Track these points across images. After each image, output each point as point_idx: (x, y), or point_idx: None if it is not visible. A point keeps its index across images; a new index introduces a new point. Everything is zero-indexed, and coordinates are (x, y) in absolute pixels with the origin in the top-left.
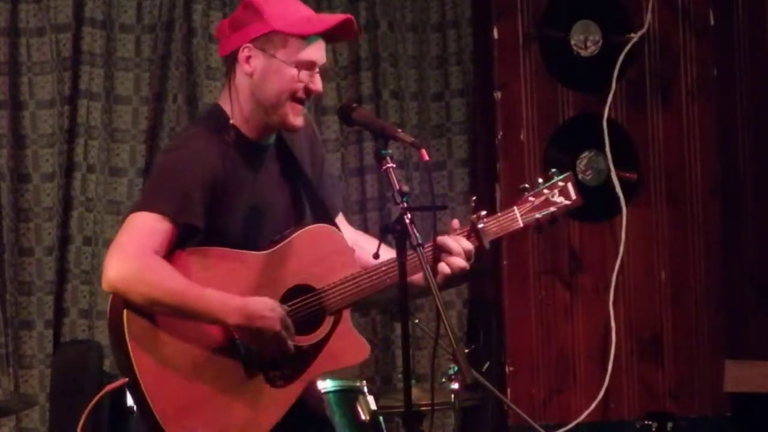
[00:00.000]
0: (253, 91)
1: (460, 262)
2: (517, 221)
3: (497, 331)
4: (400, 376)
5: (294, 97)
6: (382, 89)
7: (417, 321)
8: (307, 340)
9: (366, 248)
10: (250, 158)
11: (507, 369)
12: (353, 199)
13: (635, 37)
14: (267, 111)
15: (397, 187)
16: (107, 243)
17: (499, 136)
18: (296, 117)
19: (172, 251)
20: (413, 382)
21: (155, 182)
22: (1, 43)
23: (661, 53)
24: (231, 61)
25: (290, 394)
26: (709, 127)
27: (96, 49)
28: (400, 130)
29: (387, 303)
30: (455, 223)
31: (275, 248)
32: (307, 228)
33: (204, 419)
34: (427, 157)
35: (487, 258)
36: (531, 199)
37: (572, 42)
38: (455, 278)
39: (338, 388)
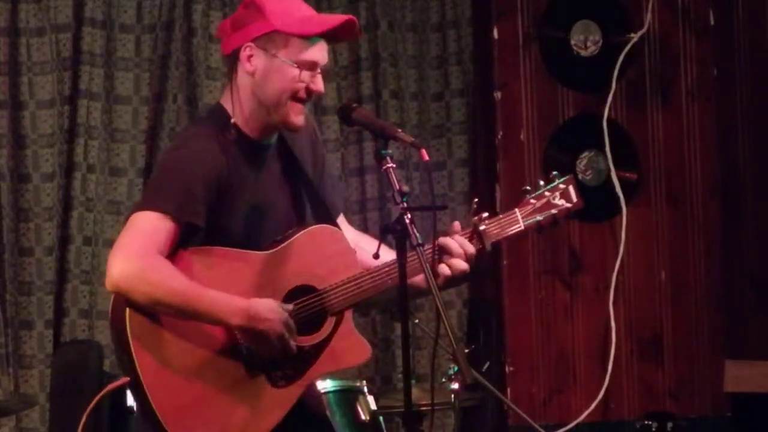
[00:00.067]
0: (254, 91)
1: (461, 264)
2: (519, 223)
3: (497, 331)
4: (400, 376)
5: (295, 97)
6: (382, 89)
7: (417, 321)
8: (308, 341)
9: (366, 249)
10: (252, 157)
11: (507, 369)
12: (353, 199)
13: (635, 37)
14: (268, 110)
15: (397, 187)
16: (107, 243)
17: (499, 136)
18: (297, 117)
19: (175, 250)
20: (413, 382)
21: (158, 181)
22: (1, 43)
23: (661, 53)
24: (233, 60)
25: (291, 394)
26: (709, 127)
27: (96, 49)
28: (400, 130)
29: (387, 303)
30: (456, 225)
31: (278, 248)
32: (310, 228)
33: (205, 419)
34: (427, 157)
35: (487, 258)
36: (532, 201)
37: (572, 42)
38: (456, 279)
39: (338, 388)
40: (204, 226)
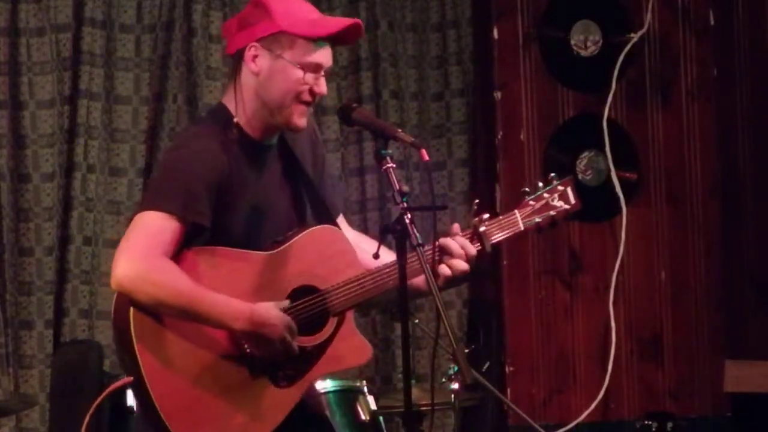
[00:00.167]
0: (257, 91)
1: (461, 264)
2: (518, 225)
3: (497, 331)
4: (400, 376)
5: (299, 99)
6: (382, 89)
7: (417, 321)
8: (310, 341)
9: (367, 250)
10: (254, 157)
11: (507, 369)
12: (353, 199)
13: (635, 37)
14: (271, 111)
15: (397, 187)
16: (107, 243)
17: (499, 136)
18: (300, 118)
19: (179, 250)
20: (413, 382)
21: (161, 181)
22: (1, 43)
23: (661, 53)
24: (237, 59)
25: (293, 394)
26: (709, 127)
27: (96, 49)
28: (400, 130)
29: (388, 303)
30: (455, 227)
31: (280, 249)
32: (311, 229)
33: (208, 419)
34: (427, 157)
35: (487, 258)
36: (531, 203)
37: (572, 42)
38: (456, 280)
39: (338, 388)
40: (209, 226)
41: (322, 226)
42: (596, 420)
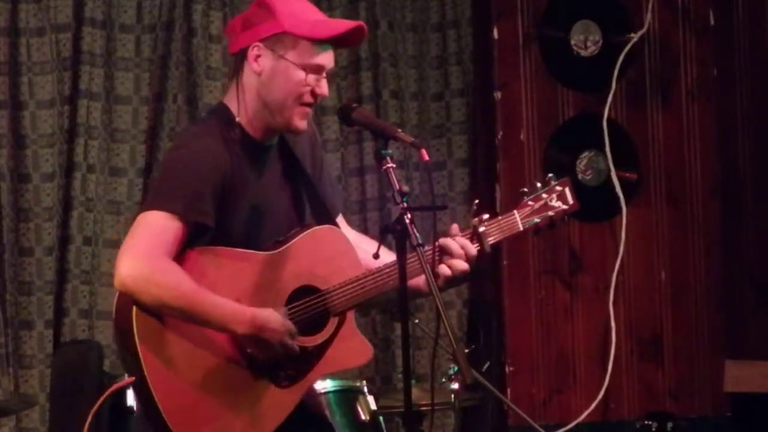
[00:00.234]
0: (259, 91)
1: (461, 264)
2: (517, 225)
3: (497, 331)
4: (400, 376)
5: (300, 100)
6: (382, 89)
7: (417, 321)
8: (311, 341)
9: (367, 250)
10: (254, 158)
11: (507, 369)
12: (353, 199)
13: (635, 37)
14: (272, 112)
15: (397, 187)
16: (107, 243)
17: (499, 136)
18: (301, 121)
19: (182, 250)
20: (413, 382)
21: (165, 180)
22: (1, 43)
23: (661, 53)
24: (239, 59)
25: (294, 394)
26: (709, 127)
27: (96, 49)
28: (400, 130)
29: (388, 303)
30: (454, 227)
31: (281, 249)
32: (312, 229)
33: (210, 419)
34: (427, 157)
35: (486, 258)
36: (530, 203)
37: (572, 42)
38: (456, 280)
39: (338, 388)
40: (214, 226)
41: (322, 226)
42: (596, 420)
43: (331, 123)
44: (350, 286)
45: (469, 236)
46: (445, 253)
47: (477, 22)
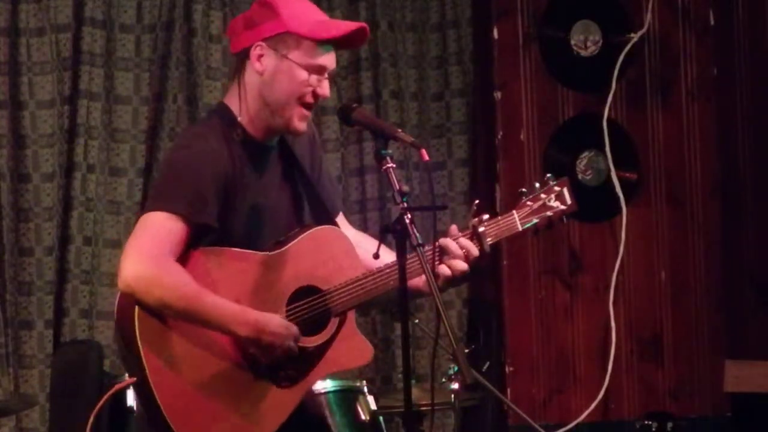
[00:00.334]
0: (261, 90)
1: (461, 264)
2: (516, 226)
3: (497, 331)
4: (400, 376)
5: (301, 101)
6: (382, 89)
7: (417, 321)
8: (312, 342)
9: (368, 250)
10: (256, 158)
11: (507, 369)
12: (353, 199)
13: (635, 37)
14: (273, 111)
15: (397, 187)
16: (107, 243)
17: (499, 136)
18: (301, 122)
19: (185, 250)
20: (413, 382)
21: (167, 181)
22: (1, 43)
23: (661, 53)
24: (241, 58)
25: (295, 394)
26: (709, 127)
27: (96, 49)
28: (400, 130)
29: (388, 303)
30: (453, 228)
31: (282, 249)
32: (313, 230)
33: (211, 419)
34: (427, 157)
35: (486, 258)
36: (529, 203)
37: (572, 42)
38: (456, 280)
39: (338, 388)
40: (217, 227)
41: (324, 226)
42: (596, 420)
43: (331, 123)
44: (351, 287)
45: (468, 236)
46: (444, 253)
47: (477, 22)
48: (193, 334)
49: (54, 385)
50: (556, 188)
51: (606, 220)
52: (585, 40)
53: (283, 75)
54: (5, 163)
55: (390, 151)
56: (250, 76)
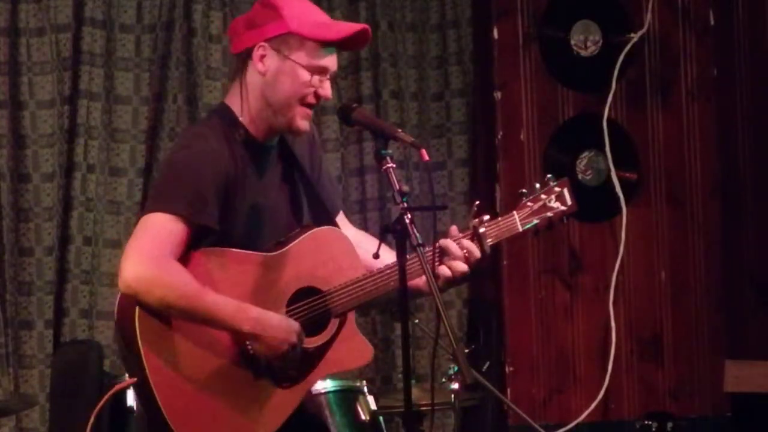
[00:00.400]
0: (263, 91)
1: (461, 265)
2: (517, 226)
3: (497, 331)
4: (400, 376)
5: (303, 101)
6: (382, 89)
7: (417, 321)
8: (312, 343)
9: (368, 250)
10: (257, 158)
11: (507, 369)
12: (353, 199)
13: (635, 37)
14: (275, 112)
15: (397, 187)
16: (107, 243)
17: (499, 136)
18: (303, 121)
19: (186, 251)
20: (413, 382)
21: (168, 182)
22: (1, 43)
23: (661, 53)
24: (243, 58)
25: (295, 395)
26: (709, 127)
27: (96, 49)
28: (400, 130)
29: (387, 303)
30: (453, 229)
31: (283, 250)
32: (314, 231)
33: (211, 419)
34: (427, 157)
35: (486, 259)
36: (529, 204)
37: (572, 42)
38: (456, 281)
39: (338, 388)
40: (218, 228)
41: (324, 227)
42: (596, 420)
43: (331, 123)
44: (351, 288)
45: (469, 237)
46: (445, 254)
47: (477, 22)
48: (194, 335)
49: (54, 385)
50: (557, 189)
51: (606, 220)
52: (585, 40)
53: (286, 76)
54: (5, 163)
55: (390, 151)
56: (252, 77)
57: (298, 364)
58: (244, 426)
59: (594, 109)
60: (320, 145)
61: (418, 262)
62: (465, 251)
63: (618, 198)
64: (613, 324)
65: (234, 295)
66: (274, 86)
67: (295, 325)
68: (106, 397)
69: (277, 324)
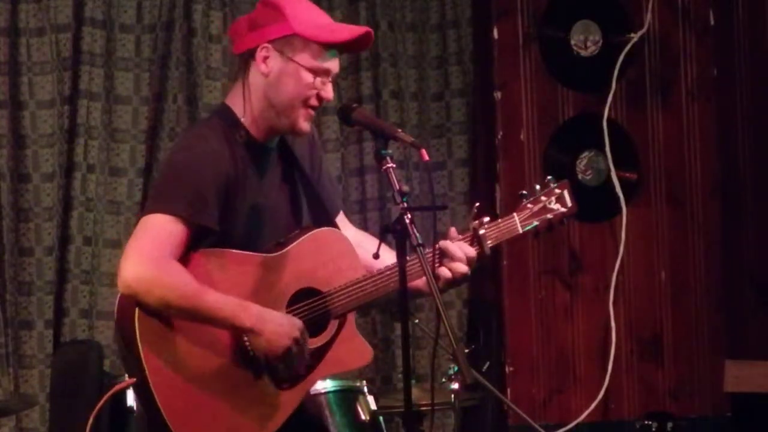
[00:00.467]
0: (266, 92)
1: (461, 267)
2: (516, 228)
3: (497, 331)
4: (400, 376)
5: (306, 103)
6: (382, 89)
7: (417, 321)
8: (312, 344)
9: (369, 250)
10: (257, 159)
11: (507, 369)
12: (353, 199)
13: (635, 37)
14: (278, 113)
15: (397, 187)
16: (107, 243)
17: (499, 136)
18: (305, 123)
19: (186, 252)
20: (413, 382)
21: (168, 182)
22: (1, 43)
23: (661, 53)
24: (246, 59)
25: (295, 396)
26: (709, 127)
27: (96, 49)
28: (400, 130)
29: (387, 303)
30: (453, 231)
31: (283, 251)
32: (314, 232)
33: (211, 421)
34: (427, 157)
35: (486, 261)
36: (529, 206)
37: (572, 42)
38: (456, 283)
39: (338, 388)
40: (218, 230)
41: (324, 228)
42: (596, 420)
43: (331, 123)
44: (350, 289)
45: (468, 239)
46: (444, 255)
47: (477, 22)
48: (194, 335)
49: (54, 385)
50: (557, 190)
51: (606, 220)
52: (585, 40)
53: (289, 77)
54: (5, 163)
55: (390, 151)
56: (255, 78)
57: (299, 363)
58: (243, 426)
59: (594, 109)
60: (320, 146)
61: (418, 263)
62: (464, 253)
63: (618, 198)
64: (613, 324)
65: (234, 296)
66: (277, 87)
67: (297, 322)
68: (105, 397)
69: (279, 320)
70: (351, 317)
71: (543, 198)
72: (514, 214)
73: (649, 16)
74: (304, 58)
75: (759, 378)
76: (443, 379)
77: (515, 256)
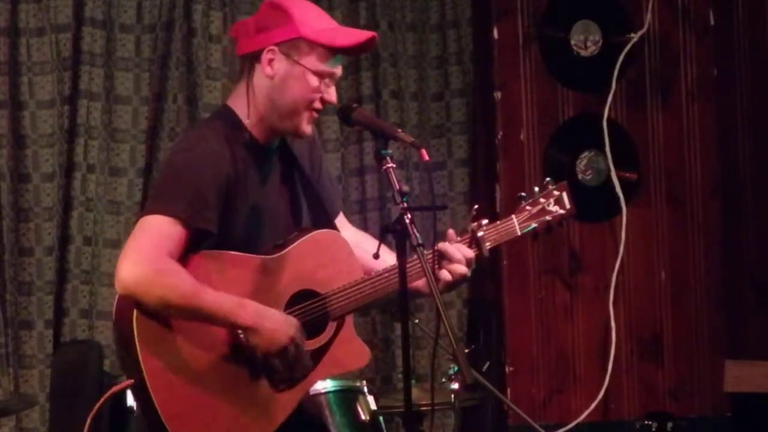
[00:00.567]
0: (270, 95)
1: (461, 269)
2: (515, 230)
3: (497, 331)
4: (400, 376)
5: (311, 106)
6: (382, 89)
7: (417, 321)
8: (310, 345)
9: (368, 251)
10: (259, 160)
11: (507, 369)
12: (353, 199)
13: (635, 37)
14: (281, 116)
15: (397, 187)
16: (107, 243)
17: (499, 136)
18: (308, 126)
19: (185, 254)
20: (413, 382)
21: (168, 183)
22: (1, 43)
23: (661, 53)
24: (250, 61)
25: (293, 398)
26: (709, 127)
27: (96, 49)
28: (400, 130)
29: (387, 303)
30: (451, 233)
31: (282, 253)
32: (313, 233)
33: (208, 423)
34: (427, 157)
35: (485, 262)
36: (528, 208)
37: (572, 42)
38: (455, 284)
39: (338, 388)
40: (217, 232)
41: (323, 230)
42: (596, 420)
43: (331, 123)
44: (349, 291)
45: (467, 241)
46: (444, 257)
47: (477, 22)
48: (192, 337)
49: (54, 385)
50: (556, 192)
51: (606, 220)
52: (585, 40)
53: (295, 81)
54: (5, 163)
55: (390, 151)
56: (260, 80)
57: (296, 363)
58: (242, 427)
59: (594, 109)
60: (320, 146)
61: (417, 265)
62: (463, 255)
63: (618, 198)
64: (613, 324)
65: None
66: (282, 90)
67: (295, 321)
68: (102, 399)
69: (277, 318)
70: (349, 319)
71: (542, 200)
72: (513, 216)
73: (649, 16)
74: (311, 62)
75: (759, 378)
76: (443, 379)
77: (515, 256)
